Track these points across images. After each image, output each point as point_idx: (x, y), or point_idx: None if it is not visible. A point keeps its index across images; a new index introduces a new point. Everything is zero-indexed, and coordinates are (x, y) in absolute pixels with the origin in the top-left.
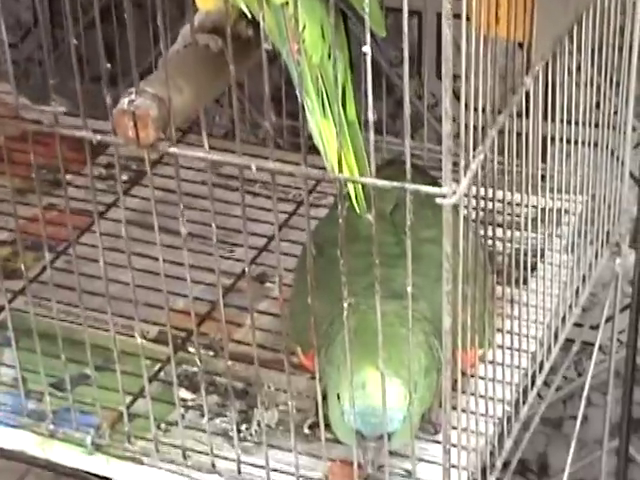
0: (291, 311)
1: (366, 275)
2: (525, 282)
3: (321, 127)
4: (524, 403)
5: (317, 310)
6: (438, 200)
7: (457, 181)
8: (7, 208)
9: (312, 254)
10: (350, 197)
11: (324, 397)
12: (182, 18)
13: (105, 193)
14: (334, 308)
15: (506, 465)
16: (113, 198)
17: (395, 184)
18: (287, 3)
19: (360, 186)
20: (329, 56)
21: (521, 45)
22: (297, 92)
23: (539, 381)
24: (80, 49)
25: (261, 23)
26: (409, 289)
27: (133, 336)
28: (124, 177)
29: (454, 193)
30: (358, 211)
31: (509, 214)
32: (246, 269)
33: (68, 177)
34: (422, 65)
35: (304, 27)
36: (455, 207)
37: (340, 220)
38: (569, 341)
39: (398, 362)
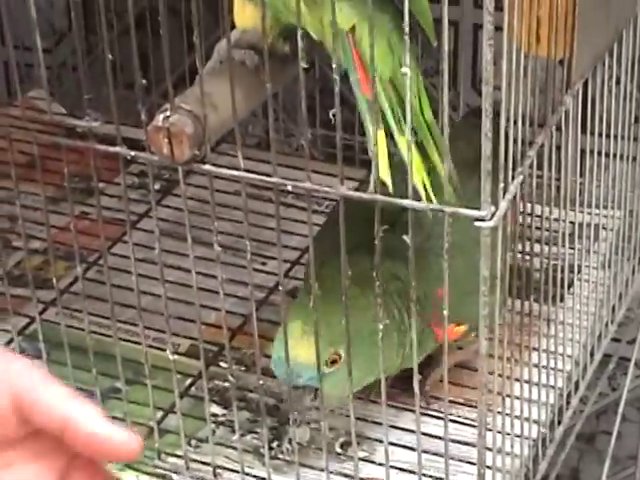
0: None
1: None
2: (561, 299)
3: (404, 146)
4: (559, 423)
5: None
6: (477, 223)
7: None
8: (38, 217)
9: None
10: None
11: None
12: (217, 26)
13: (137, 202)
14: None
15: None
16: (145, 208)
17: (433, 206)
18: (354, 27)
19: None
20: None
21: (561, 62)
22: (364, 118)
23: (574, 401)
24: (114, 55)
25: (299, 42)
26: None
27: (164, 350)
28: (156, 186)
29: (493, 215)
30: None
31: (546, 229)
32: (280, 283)
33: (100, 185)
34: (457, 76)
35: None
36: (494, 230)
37: (377, 242)
38: (605, 356)
39: (327, 323)
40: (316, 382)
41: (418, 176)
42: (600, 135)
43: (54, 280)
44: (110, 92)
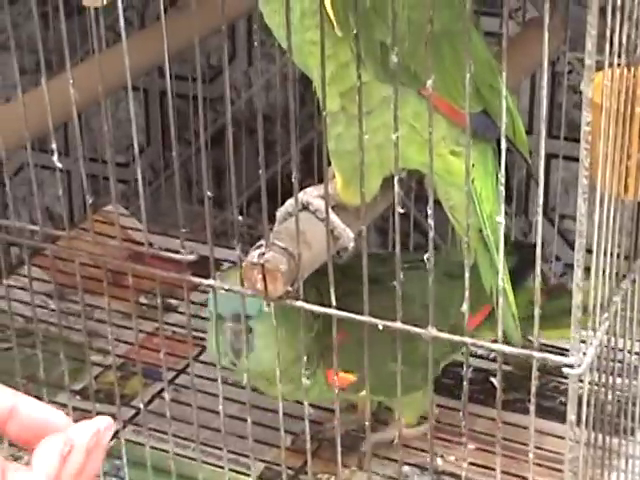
0: None
1: None
2: (632, 433)
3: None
4: None
5: None
6: (565, 370)
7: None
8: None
9: None
10: None
11: None
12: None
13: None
14: None
15: None
16: None
17: (522, 352)
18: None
19: None
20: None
21: None
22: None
23: None
24: (189, 171)
25: (396, 187)
26: None
27: (239, 472)
28: None
29: (581, 363)
30: None
31: (619, 361)
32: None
33: (174, 302)
34: (528, 203)
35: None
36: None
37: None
38: None
39: None
40: (258, 313)
41: (509, 320)
42: None
43: (141, 403)
44: (208, 228)
